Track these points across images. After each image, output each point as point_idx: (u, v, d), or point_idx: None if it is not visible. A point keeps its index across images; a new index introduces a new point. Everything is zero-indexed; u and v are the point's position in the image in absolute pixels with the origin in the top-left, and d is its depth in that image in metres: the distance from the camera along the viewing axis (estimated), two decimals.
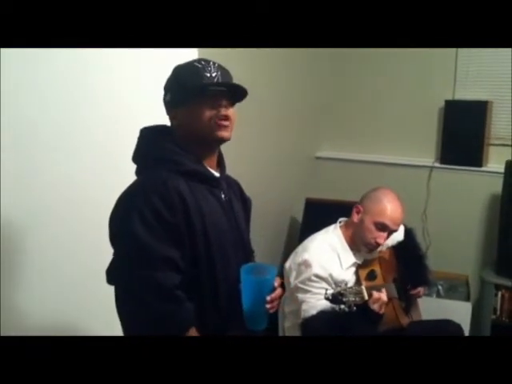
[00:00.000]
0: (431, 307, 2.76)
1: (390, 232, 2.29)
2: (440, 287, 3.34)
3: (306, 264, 2.16)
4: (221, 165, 1.68)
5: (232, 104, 1.58)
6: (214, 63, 1.57)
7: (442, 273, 3.29)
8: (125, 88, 2.15)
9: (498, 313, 3.20)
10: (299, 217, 3.68)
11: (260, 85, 3.31)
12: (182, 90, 1.55)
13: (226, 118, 1.53)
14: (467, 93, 3.52)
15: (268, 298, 1.54)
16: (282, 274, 2.37)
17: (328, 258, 2.22)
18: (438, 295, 3.33)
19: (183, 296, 1.47)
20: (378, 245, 2.26)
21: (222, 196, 1.63)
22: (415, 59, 3.62)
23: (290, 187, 3.74)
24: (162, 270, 1.43)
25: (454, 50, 3.50)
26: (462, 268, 3.50)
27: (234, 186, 1.76)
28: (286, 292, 2.32)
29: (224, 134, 1.54)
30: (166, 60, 1.87)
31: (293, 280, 2.20)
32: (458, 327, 2.39)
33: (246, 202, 1.79)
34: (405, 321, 2.30)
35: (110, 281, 1.53)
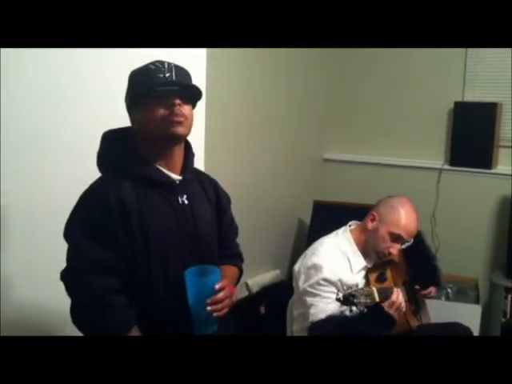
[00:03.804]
0: (440, 310, 2.74)
1: (404, 243, 2.28)
2: (449, 290, 3.32)
3: (316, 268, 2.15)
4: (185, 168, 1.67)
5: (188, 103, 1.59)
6: (169, 64, 1.58)
7: (451, 276, 3.26)
8: None
9: (508, 316, 3.17)
10: (307, 219, 3.67)
11: (268, 87, 3.31)
12: (135, 92, 1.58)
13: (180, 115, 1.54)
14: (476, 94, 3.51)
15: (208, 301, 1.53)
16: (291, 276, 2.36)
17: (338, 261, 2.21)
18: (448, 298, 3.31)
19: (119, 299, 1.52)
20: (390, 255, 2.25)
21: (178, 199, 1.63)
22: (424, 61, 3.60)
23: (298, 189, 3.74)
24: (95, 273, 1.50)
25: (462, 51, 3.49)
26: (472, 271, 3.47)
27: (207, 186, 1.76)
28: (295, 295, 2.31)
29: (179, 129, 1.56)
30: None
31: (302, 283, 2.18)
32: (468, 330, 2.37)
33: (220, 201, 1.79)
34: (414, 323, 2.28)
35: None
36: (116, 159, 1.61)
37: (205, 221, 1.69)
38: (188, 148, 1.71)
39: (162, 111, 1.54)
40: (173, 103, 1.53)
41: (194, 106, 1.64)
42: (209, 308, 1.53)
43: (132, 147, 1.61)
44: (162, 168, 1.61)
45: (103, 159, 1.63)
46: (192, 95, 1.61)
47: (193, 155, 1.72)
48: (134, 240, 1.53)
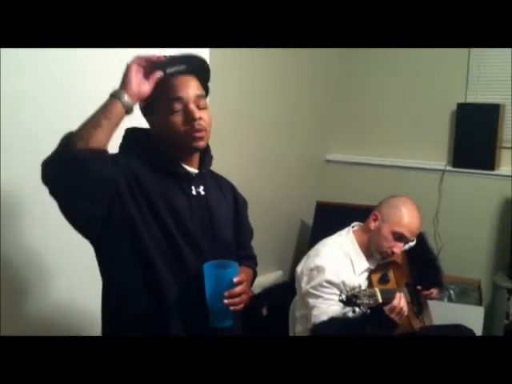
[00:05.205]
0: (443, 312, 2.73)
1: (407, 242, 2.27)
2: (452, 291, 3.32)
3: (319, 269, 2.14)
4: (203, 163, 1.67)
5: (205, 107, 1.58)
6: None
7: (453, 277, 3.26)
8: None
9: (511, 318, 3.16)
10: (310, 220, 3.67)
11: (270, 88, 3.31)
12: (151, 98, 1.53)
13: (201, 129, 1.54)
14: (479, 96, 3.50)
15: (226, 294, 1.51)
16: (293, 277, 2.36)
17: (341, 263, 2.20)
18: (450, 300, 3.31)
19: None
20: (394, 254, 2.24)
21: (192, 189, 1.61)
22: (427, 61, 3.60)
23: (301, 190, 3.73)
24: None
25: (465, 52, 3.49)
26: (474, 272, 3.47)
27: (224, 187, 1.76)
28: (297, 296, 2.31)
29: (200, 143, 1.56)
30: None
31: (304, 285, 2.18)
32: (471, 332, 2.37)
33: (237, 203, 1.79)
34: (417, 325, 2.28)
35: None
36: (137, 151, 1.58)
37: (220, 214, 1.68)
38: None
39: (182, 125, 1.54)
40: (193, 118, 1.53)
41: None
42: (226, 301, 1.51)
43: (154, 144, 1.59)
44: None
45: (125, 150, 1.60)
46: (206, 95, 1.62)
47: (211, 157, 1.71)
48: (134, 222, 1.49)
